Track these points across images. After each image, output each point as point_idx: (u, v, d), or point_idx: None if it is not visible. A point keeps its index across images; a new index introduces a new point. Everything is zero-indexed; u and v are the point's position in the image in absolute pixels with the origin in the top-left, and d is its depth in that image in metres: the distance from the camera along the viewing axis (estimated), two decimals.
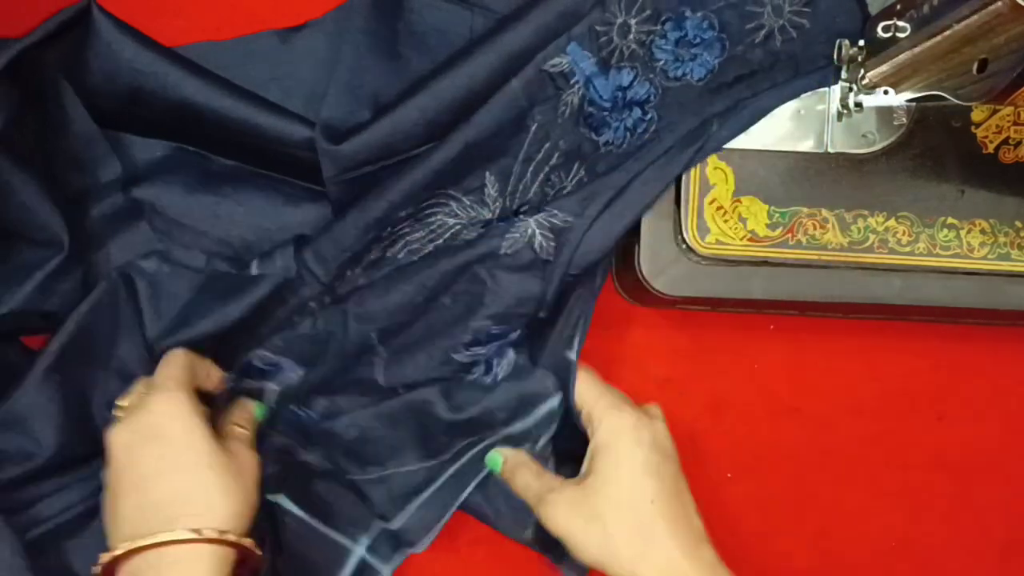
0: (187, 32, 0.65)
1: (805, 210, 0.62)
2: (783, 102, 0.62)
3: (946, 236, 0.62)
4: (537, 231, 0.61)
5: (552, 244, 0.61)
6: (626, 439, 0.57)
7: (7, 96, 0.60)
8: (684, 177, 0.62)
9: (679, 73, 0.61)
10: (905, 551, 0.66)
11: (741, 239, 0.62)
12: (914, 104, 0.60)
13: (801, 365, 0.66)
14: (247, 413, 0.61)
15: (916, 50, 0.54)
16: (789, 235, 0.62)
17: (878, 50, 0.58)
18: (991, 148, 0.62)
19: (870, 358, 0.66)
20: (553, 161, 0.61)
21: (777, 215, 0.62)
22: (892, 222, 0.62)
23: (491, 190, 0.62)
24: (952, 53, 0.52)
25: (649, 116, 0.61)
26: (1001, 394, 0.67)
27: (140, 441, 0.55)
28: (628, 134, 0.61)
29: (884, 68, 0.58)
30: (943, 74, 0.54)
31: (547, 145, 0.61)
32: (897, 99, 0.59)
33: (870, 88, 0.60)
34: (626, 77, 0.61)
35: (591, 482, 0.57)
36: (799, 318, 0.66)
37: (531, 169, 0.62)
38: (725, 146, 0.62)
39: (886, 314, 0.64)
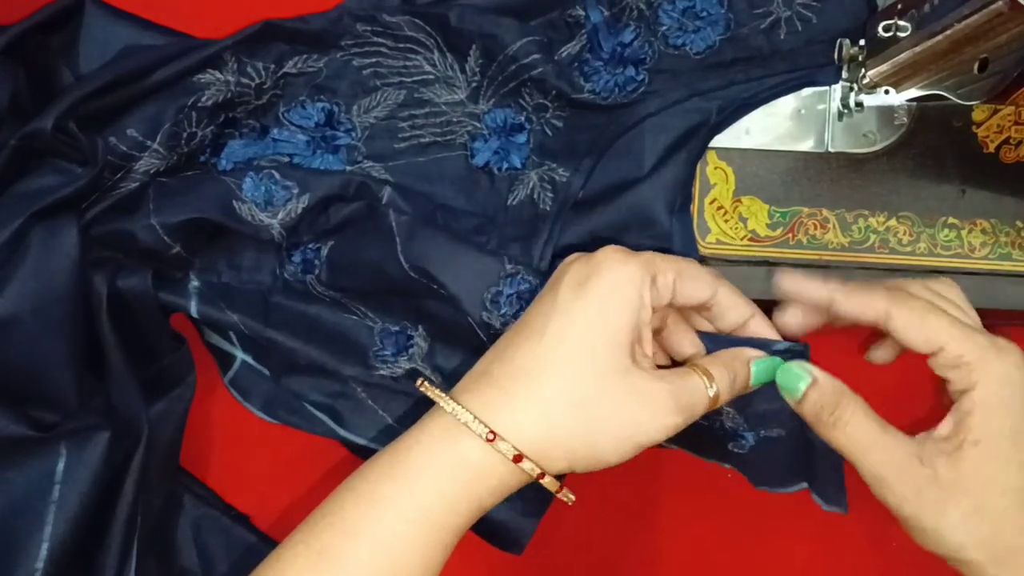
0: (187, 32, 0.66)
1: (806, 210, 0.62)
2: (777, 96, 0.62)
3: (947, 236, 0.62)
4: (538, 184, 0.63)
5: (551, 197, 0.63)
6: (1016, 395, 0.45)
7: (12, 72, 0.61)
8: None
9: (679, 42, 0.63)
10: (905, 551, 0.65)
11: (742, 239, 0.62)
12: (915, 104, 0.60)
13: None
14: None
15: (917, 50, 0.54)
16: (790, 235, 0.62)
17: (879, 50, 0.58)
18: (992, 148, 0.62)
19: None
20: (535, 74, 0.62)
21: (778, 215, 0.62)
22: (893, 222, 0.62)
23: (473, 63, 0.63)
24: (953, 53, 0.52)
25: (641, 77, 0.63)
26: None
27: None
28: (616, 89, 0.63)
29: (885, 68, 0.58)
30: (944, 74, 0.54)
31: (536, 57, 0.62)
32: (898, 99, 0.59)
33: (871, 88, 0.60)
34: (628, 35, 0.62)
35: (969, 455, 0.46)
36: None
37: (513, 68, 0.63)
38: (725, 146, 0.62)
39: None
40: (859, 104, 0.61)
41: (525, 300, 0.59)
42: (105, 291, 0.59)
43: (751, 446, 0.59)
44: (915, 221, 0.62)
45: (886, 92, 0.59)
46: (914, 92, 0.58)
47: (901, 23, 0.55)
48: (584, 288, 0.49)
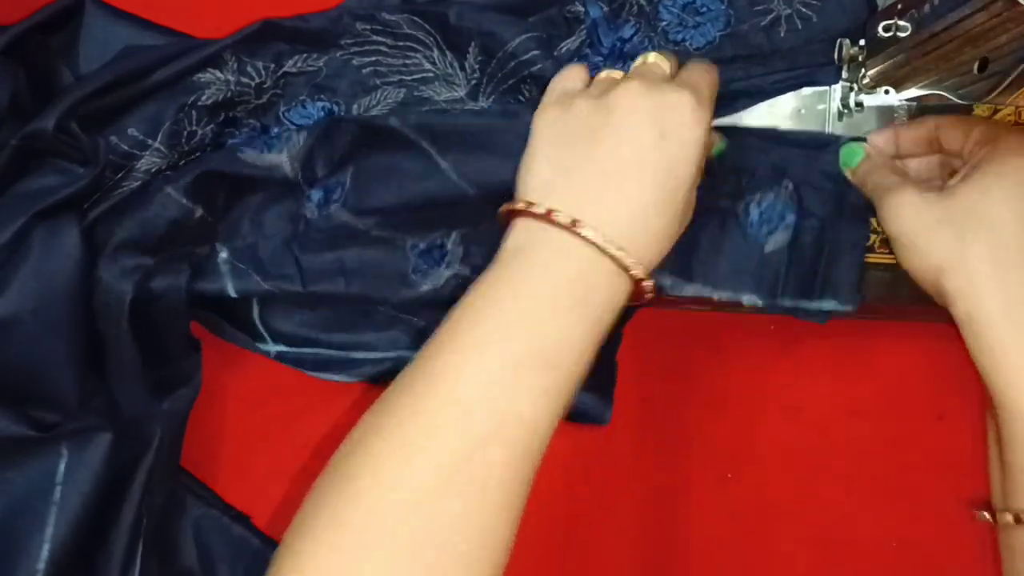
0: (187, 32, 0.66)
1: None
2: (777, 93, 0.62)
3: None
4: None
5: None
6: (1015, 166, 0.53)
7: (12, 71, 0.61)
8: None
9: (679, 38, 0.63)
10: (905, 551, 0.66)
11: None
12: (915, 104, 0.60)
13: (801, 365, 0.66)
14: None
15: (917, 50, 0.54)
16: None
17: (879, 50, 0.58)
18: None
19: (870, 358, 0.66)
20: (534, 70, 0.62)
21: None
22: None
23: (472, 60, 0.63)
24: (953, 53, 0.52)
25: None
26: None
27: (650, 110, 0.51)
28: None
29: (885, 68, 0.58)
30: (944, 74, 0.54)
31: (535, 53, 0.62)
32: (898, 99, 0.59)
33: (871, 88, 0.60)
34: (628, 31, 0.63)
35: (960, 190, 0.54)
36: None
37: (513, 65, 0.62)
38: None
39: (886, 314, 0.64)
40: (859, 104, 0.61)
41: None
42: (130, 294, 0.59)
43: None
44: None
45: (886, 92, 0.59)
46: (914, 92, 0.58)
47: (901, 23, 0.55)
48: (665, 141, 0.51)
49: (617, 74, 0.56)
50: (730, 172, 0.60)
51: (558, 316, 0.48)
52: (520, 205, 0.51)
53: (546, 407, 0.47)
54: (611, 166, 0.51)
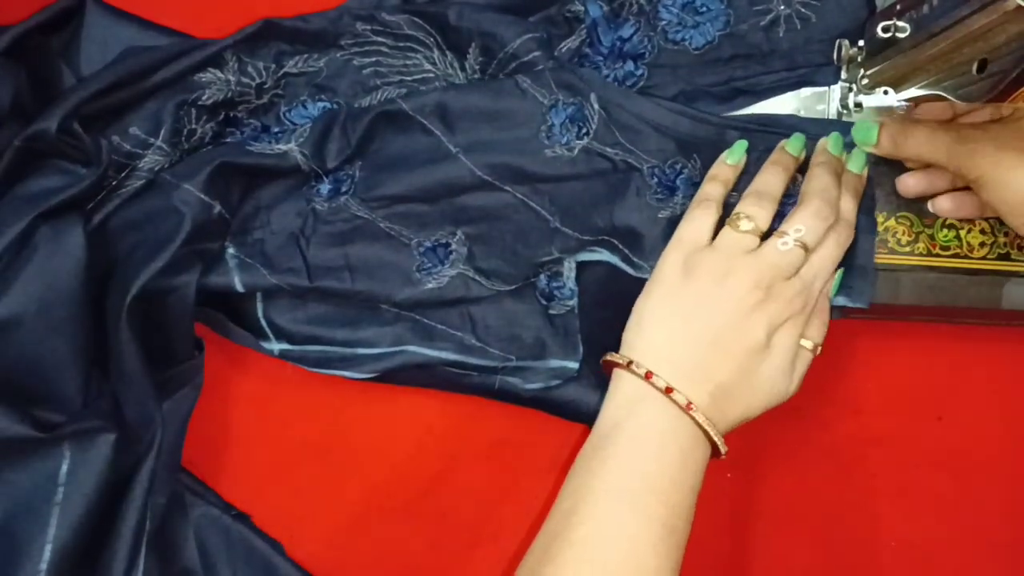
0: (187, 32, 0.66)
1: None
2: (776, 94, 0.63)
3: (946, 236, 0.62)
4: None
5: None
6: None
7: (13, 72, 0.61)
8: None
9: (678, 37, 0.63)
10: (905, 551, 0.66)
11: None
12: (914, 104, 0.60)
13: None
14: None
15: (916, 50, 0.54)
16: None
17: (878, 50, 0.58)
18: None
19: (870, 358, 0.66)
20: (535, 70, 0.62)
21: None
22: (892, 222, 0.62)
23: (472, 60, 0.63)
24: (952, 53, 0.52)
25: (640, 72, 0.63)
26: (1001, 394, 0.66)
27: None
28: (616, 84, 0.63)
29: (884, 68, 0.58)
30: (943, 74, 0.54)
31: (536, 54, 0.62)
32: (897, 99, 0.59)
33: (870, 88, 0.60)
34: (628, 30, 0.63)
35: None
36: None
37: (513, 65, 0.63)
38: None
39: (886, 314, 0.64)
40: (858, 104, 0.61)
41: (579, 120, 0.60)
42: (134, 291, 0.59)
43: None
44: (914, 221, 0.62)
45: (885, 92, 0.59)
46: (913, 92, 0.58)
47: (900, 24, 0.55)
48: (771, 350, 0.57)
49: (747, 241, 0.57)
50: (742, 173, 0.61)
51: (675, 488, 0.53)
52: (641, 371, 0.55)
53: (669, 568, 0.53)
54: (717, 354, 0.55)
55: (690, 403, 0.54)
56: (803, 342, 0.57)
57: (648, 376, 0.55)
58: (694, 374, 0.55)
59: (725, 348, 0.55)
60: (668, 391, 0.54)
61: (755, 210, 0.58)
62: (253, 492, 0.66)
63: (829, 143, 0.60)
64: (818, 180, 0.58)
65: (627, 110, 0.61)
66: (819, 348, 0.58)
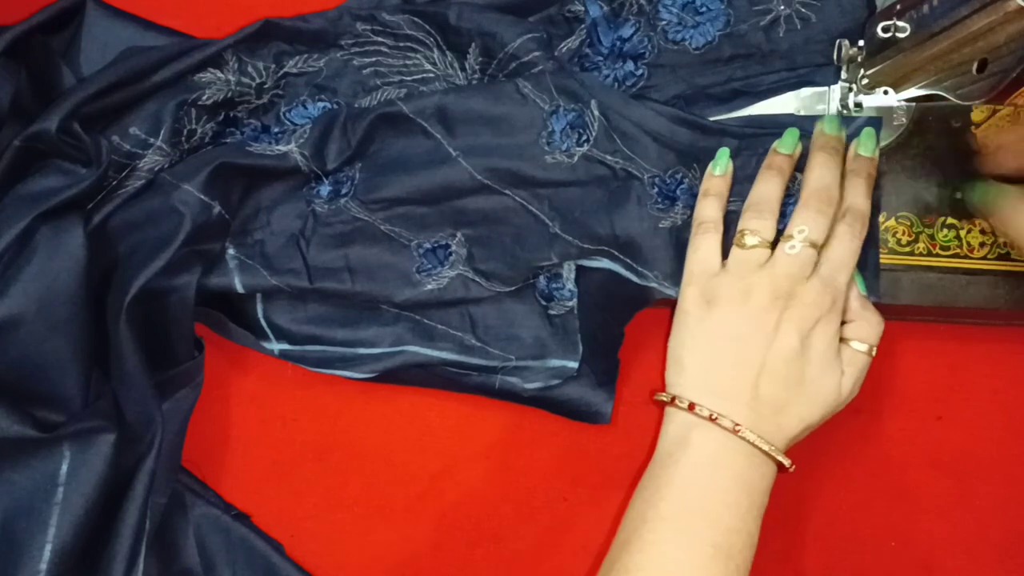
0: (187, 32, 0.66)
1: None
2: (776, 94, 0.63)
3: (946, 236, 0.62)
4: None
5: None
6: None
7: (13, 72, 0.61)
8: None
9: (679, 37, 0.63)
10: (905, 551, 0.65)
11: None
12: (914, 104, 0.61)
13: None
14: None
15: (916, 50, 0.54)
16: None
17: (878, 50, 0.58)
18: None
19: None
20: (535, 70, 0.62)
21: None
22: (892, 222, 0.62)
23: (472, 61, 0.63)
24: (952, 53, 0.52)
25: (640, 72, 0.63)
26: (1001, 394, 0.66)
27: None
28: (616, 84, 0.63)
29: (884, 68, 0.58)
30: (943, 74, 0.54)
31: (536, 54, 0.62)
32: (897, 99, 0.59)
33: (870, 88, 0.60)
34: (628, 30, 0.63)
35: None
36: None
37: (514, 65, 0.63)
38: None
39: (886, 314, 0.64)
40: (858, 105, 0.61)
41: (579, 127, 0.60)
42: (133, 292, 0.59)
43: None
44: (914, 221, 0.62)
45: (885, 92, 0.59)
46: (913, 92, 0.58)
47: (900, 23, 0.55)
48: (808, 350, 0.57)
49: (757, 256, 0.57)
50: (744, 179, 0.60)
51: (728, 510, 0.54)
52: (684, 404, 0.56)
53: None
54: (754, 372, 0.56)
55: (737, 425, 0.55)
56: (855, 344, 0.57)
57: (692, 408, 0.56)
58: (736, 396, 0.55)
59: (762, 365, 0.55)
60: (712, 419, 0.55)
61: (756, 223, 0.58)
62: (253, 492, 0.66)
63: (825, 125, 0.60)
64: (813, 172, 0.58)
65: (627, 118, 0.61)
66: (874, 349, 0.58)
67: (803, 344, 0.56)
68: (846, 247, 0.57)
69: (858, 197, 0.58)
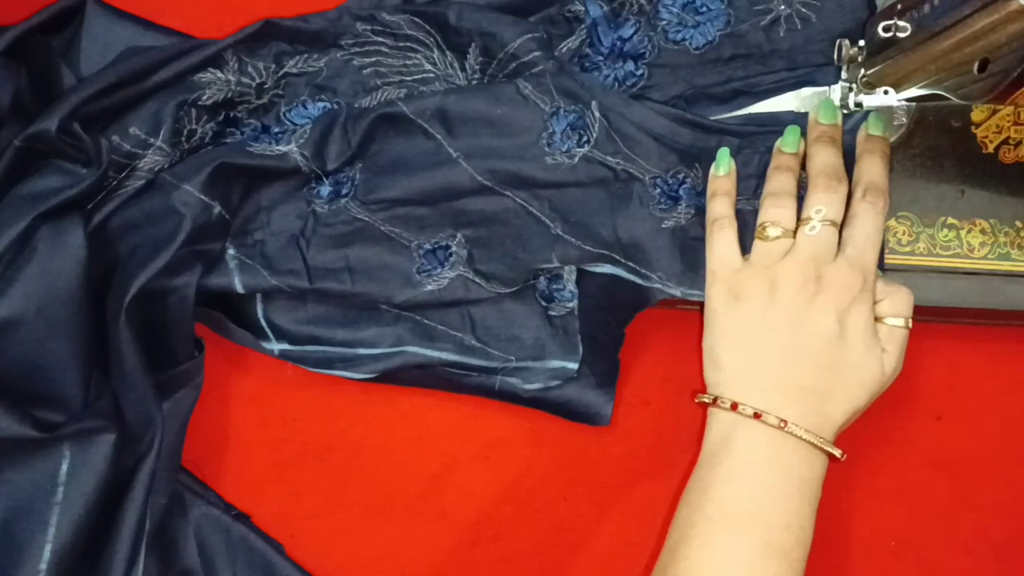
0: (187, 32, 0.66)
1: None
2: (776, 93, 0.63)
3: (946, 236, 0.62)
4: None
5: None
6: None
7: (13, 72, 0.61)
8: None
9: (679, 37, 0.63)
10: (905, 551, 0.65)
11: None
12: (914, 104, 0.61)
13: None
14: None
15: (917, 50, 0.54)
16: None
17: (878, 50, 0.58)
18: (991, 148, 0.63)
19: None
20: (535, 70, 0.62)
21: None
22: (892, 222, 0.62)
23: (472, 61, 0.63)
24: (953, 53, 0.52)
25: (640, 72, 0.63)
26: (1000, 394, 0.66)
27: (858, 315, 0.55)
28: (616, 84, 0.63)
29: (884, 68, 0.58)
30: (943, 74, 0.54)
31: (536, 54, 0.62)
32: (897, 99, 0.59)
33: (870, 88, 0.60)
34: (628, 30, 0.63)
35: None
36: None
37: (514, 65, 0.63)
38: None
39: None
40: (858, 104, 0.61)
41: (580, 128, 0.60)
42: (133, 292, 0.59)
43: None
44: (914, 221, 0.62)
45: (885, 92, 0.59)
46: (913, 92, 0.58)
47: (901, 23, 0.56)
48: (846, 333, 0.56)
49: (780, 246, 0.57)
50: (748, 177, 0.60)
51: (779, 507, 0.53)
52: (726, 404, 0.55)
53: None
54: (794, 361, 0.55)
55: (783, 421, 0.54)
56: (891, 320, 0.57)
57: (734, 407, 0.55)
58: (779, 390, 0.55)
59: (801, 352, 0.55)
60: (757, 416, 0.54)
61: (776, 212, 0.57)
62: (253, 492, 0.66)
63: (820, 114, 0.60)
64: (816, 158, 0.58)
65: (628, 119, 0.61)
66: (909, 321, 0.57)
67: (841, 326, 0.55)
68: (871, 223, 0.56)
69: (875, 174, 0.58)
